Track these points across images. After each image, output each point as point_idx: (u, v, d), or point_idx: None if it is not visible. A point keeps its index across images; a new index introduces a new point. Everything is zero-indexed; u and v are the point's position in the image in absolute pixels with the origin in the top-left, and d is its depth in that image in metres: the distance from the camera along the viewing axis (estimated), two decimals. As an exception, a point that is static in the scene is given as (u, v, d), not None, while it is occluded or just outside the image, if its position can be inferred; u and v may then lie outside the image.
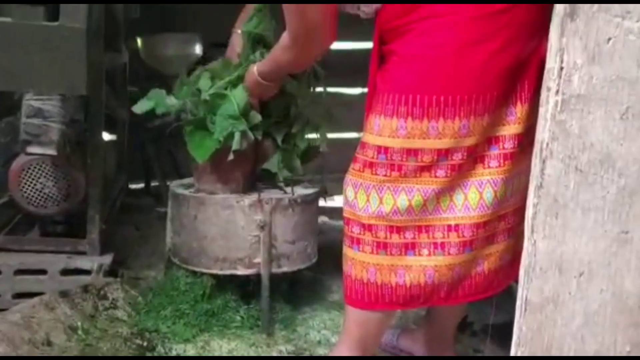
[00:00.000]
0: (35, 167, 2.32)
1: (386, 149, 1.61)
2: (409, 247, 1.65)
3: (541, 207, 1.22)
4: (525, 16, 1.57)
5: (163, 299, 2.28)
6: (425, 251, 1.65)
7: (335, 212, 2.89)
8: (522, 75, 1.60)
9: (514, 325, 1.31)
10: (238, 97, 2.07)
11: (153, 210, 3.11)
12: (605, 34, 1.15)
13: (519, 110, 1.62)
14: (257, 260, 2.20)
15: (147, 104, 2.20)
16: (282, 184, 2.31)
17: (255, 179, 2.33)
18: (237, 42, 2.18)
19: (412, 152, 1.59)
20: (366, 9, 1.67)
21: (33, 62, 1.99)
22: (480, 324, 2.18)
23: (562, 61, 1.18)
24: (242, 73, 2.10)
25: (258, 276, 2.22)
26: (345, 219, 1.72)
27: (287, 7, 1.64)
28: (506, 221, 1.69)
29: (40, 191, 2.33)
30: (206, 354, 2.10)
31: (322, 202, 2.45)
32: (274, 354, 2.13)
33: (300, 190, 2.33)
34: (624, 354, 1.22)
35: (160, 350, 2.10)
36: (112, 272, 2.39)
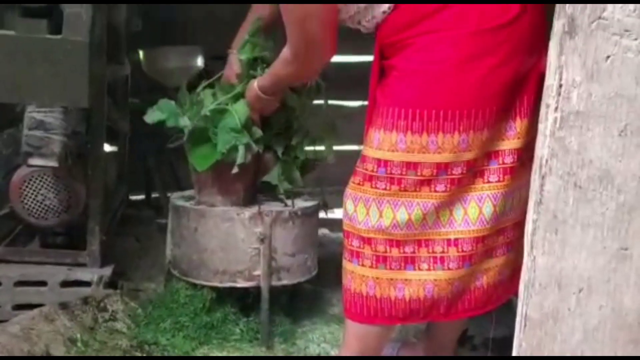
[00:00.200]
0: (36, 179, 2.32)
1: (386, 162, 1.62)
2: (409, 261, 1.65)
3: (540, 223, 1.23)
4: (524, 32, 1.58)
5: (163, 311, 2.28)
6: (424, 265, 1.65)
7: (336, 225, 2.89)
8: (522, 90, 1.61)
9: (513, 340, 1.31)
10: (239, 111, 2.08)
11: (153, 222, 3.11)
12: (603, 52, 1.16)
13: (518, 125, 1.63)
14: (257, 272, 2.20)
15: (157, 114, 2.20)
16: (282, 197, 2.32)
17: (255, 191, 2.33)
18: (234, 62, 2.18)
19: (411, 166, 1.60)
20: (367, 24, 1.68)
21: (36, 75, 2.00)
22: (480, 338, 2.17)
23: (561, 78, 1.19)
24: (243, 90, 2.11)
25: (258, 289, 2.22)
26: (345, 232, 1.73)
27: (287, 21, 1.66)
28: (505, 235, 1.70)
29: (41, 203, 2.33)
30: (205, 366, 2.10)
31: (322, 215, 2.45)
32: (274, 367, 2.12)
33: (301, 203, 2.33)
34: (624, 370, 1.22)
35: (159, 363, 2.10)
36: (112, 284, 2.38)
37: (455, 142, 1.57)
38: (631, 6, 1.13)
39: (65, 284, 2.30)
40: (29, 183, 2.32)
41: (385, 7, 1.61)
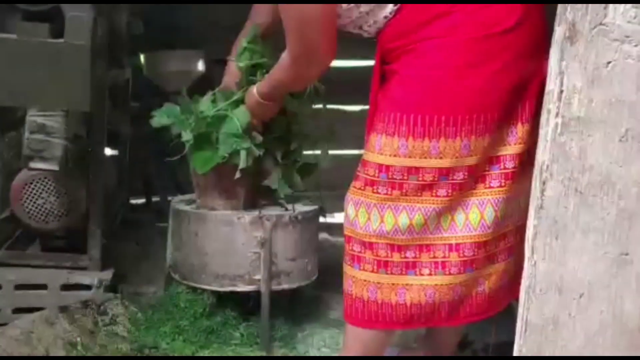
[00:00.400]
0: (37, 183, 2.32)
1: (387, 167, 1.62)
2: (410, 266, 1.65)
3: (541, 229, 1.23)
4: (526, 37, 1.58)
5: (163, 315, 2.28)
6: (426, 270, 1.66)
7: (336, 229, 2.89)
8: (524, 95, 1.62)
9: (514, 345, 1.31)
10: (240, 116, 2.08)
11: (154, 226, 3.11)
12: (604, 58, 1.17)
13: (519, 131, 1.63)
14: (257, 277, 2.20)
15: (163, 119, 2.20)
16: (282, 201, 2.32)
17: (255, 195, 2.34)
18: (233, 69, 2.18)
19: (413, 171, 1.60)
20: (368, 29, 1.68)
21: (37, 79, 2.00)
22: (480, 343, 2.17)
23: (562, 84, 1.19)
24: (242, 96, 2.11)
25: (258, 293, 2.21)
26: (346, 237, 1.73)
27: (287, 27, 1.66)
28: (507, 241, 1.70)
29: (42, 206, 2.33)
30: (205, 370, 2.10)
31: (322, 219, 2.45)
32: (273, 371, 2.12)
33: (301, 207, 2.33)
34: (624, 376, 1.23)
35: (159, 367, 2.10)
36: (112, 287, 2.38)
37: (457, 147, 1.57)
38: (632, 12, 1.14)
39: (66, 287, 2.30)
40: (29, 186, 2.32)
41: (387, 12, 1.62)
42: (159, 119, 2.21)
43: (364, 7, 1.63)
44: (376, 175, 1.64)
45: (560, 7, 1.20)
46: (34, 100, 2.10)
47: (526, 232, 1.27)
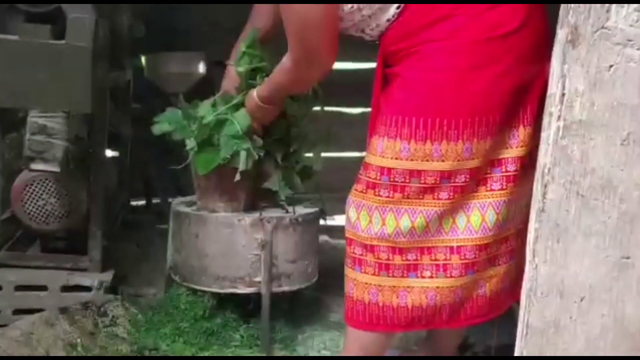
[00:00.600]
0: (38, 184, 2.32)
1: (389, 170, 1.62)
2: (411, 269, 1.65)
3: (543, 232, 1.24)
4: (528, 40, 1.59)
5: (163, 316, 2.28)
6: (427, 273, 1.66)
7: (337, 231, 2.89)
8: (525, 98, 1.62)
9: (515, 346, 1.31)
10: (240, 119, 2.09)
11: (154, 228, 3.11)
12: (606, 61, 1.17)
13: (521, 134, 1.63)
14: (258, 279, 2.20)
15: (165, 126, 2.20)
16: (283, 203, 2.32)
17: (256, 197, 2.34)
18: (233, 74, 2.18)
19: (414, 174, 1.60)
20: (370, 32, 1.69)
21: (38, 80, 2.00)
22: (482, 345, 2.17)
23: (563, 87, 1.19)
24: (242, 100, 2.11)
25: (258, 295, 2.22)
26: (348, 240, 1.73)
27: (288, 30, 1.66)
28: (508, 244, 1.70)
29: (43, 208, 2.33)
30: (205, 372, 2.09)
31: (322, 222, 2.45)
32: (274, 373, 2.12)
33: (302, 210, 2.33)
34: (625, 379, 1.22)
35: (159, 368, 2.10)
36: (112, 289, 2.38)
37: (459, 150, 1.58)
38: (634, 16, 1.14)
39: (66, 288, 2.30)
40: (30, 187, 2.32)
41: (390, 15, 1.62)
42: (160, 125, 2.21)
43: (366, 11, 1.63)
44: (378, 178, 1.64)
45: (562, 10, 1.20)
46: (35, 101, 2.09)
47: (527, 235, 1.27)
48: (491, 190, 1.64)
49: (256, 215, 2.22)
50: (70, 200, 2.36)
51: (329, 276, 2.41)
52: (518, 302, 1.33)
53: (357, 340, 1.76)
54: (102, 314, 2.23)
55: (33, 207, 2.33)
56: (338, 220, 2.95)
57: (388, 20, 1.63)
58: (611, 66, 1.17)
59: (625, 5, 1.14)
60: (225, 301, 2.28)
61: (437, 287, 1.65)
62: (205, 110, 2.16)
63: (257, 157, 2.14)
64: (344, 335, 1.85)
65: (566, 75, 1.19)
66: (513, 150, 1.64)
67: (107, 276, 2.37)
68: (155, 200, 3.43)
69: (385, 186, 1.63)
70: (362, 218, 1.67)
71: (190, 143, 2.14)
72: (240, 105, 2.12)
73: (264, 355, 2.20)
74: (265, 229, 2.18)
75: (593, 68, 1.18)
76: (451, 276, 1.65)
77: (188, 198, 2.46)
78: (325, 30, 1.64)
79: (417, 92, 1.59)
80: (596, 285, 1.22)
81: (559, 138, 1.21)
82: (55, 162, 2.28)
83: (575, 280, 1.23)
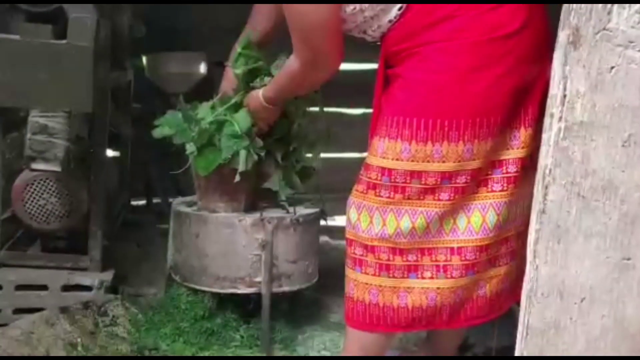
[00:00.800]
0: (39, 184, 2.32)
1: (390, 170, 1.62)
2: (412, 270, 1.66)
3: (543, 233, 1.24)
4: (529, 42, 1.59)
5: (163, 316, 2.28)
6: (427, 274, 1.66)
7: (337, 232, 2.89)
8: (527, 99, 1.62)
9: (515, 347, 1.31)
10: (240, 120, 2.09)
11: (154, 228, 3.11)
12: (608, 63, 1.17)
13: (522, 135, 1.63)
14: (258, 279, 2.20)
15: (165, 130, 2.20)
16: (283, 203, 2.32)
17: (257, 197, 2.34)
18: (231, 76, 2.17)
19: (415, 175, 1.61)
20: (372, 33, 1.69)
21: (40, 79, 2.01)
22: (482, 347, 2.18)
23: (565, 89, 1.20)
24: (240, 100, 2.12)
25: (259, 295, 2.22)
26: (348, 240, 1.73)
27: (293, 32, 1.66)
28: (509, 245, 1.70)
29: (43, 207, 2.33)
30: (205, 372, 2.10)
31: (322, 222, 2.45)
32: (274, 373, 2.12)
33: (302, 210, 2.33)
34: (626, 381, 1.23)
35: (159, 368, 2.10)
36: (113, 288, 2.38)
37: (460, 151, 1.58)
38: (636, 18, 1.14)
39: (66, 288, 2.30)
40: (31, 187, 2.32)
41: (392, 16, 1.62)
42: (161, 129, 2.21)
43: (369, 12, 1.63)
44: (378, 178, 1.64)
45: (564, 11, 1.20)
46: (37, 101, 2.10)
47: (528, 235, 1.27)
48: (492, 191, 1.64)
49: (257, 215, 2.22)
50: (71, 199, 2.36)
51: (330, 277, 2.41)
52: (518, 303, 1.33)
53: (357, 340, 1.76)
54: (103, 314, 2.24)
55: (34, 206, 2.33)
56: (338, 221, 2.95)
57: (390, 21, 1.63)
58: (612, 68, 1.17)
59: (627, 6, 1.15)
60: (225, 301, 2.28)
61: (438, 288, 1.66)
62: (205, 113, 2.16)
63: (256, 158, 2.14)
64: (344, 335, 1.86)
65: (567, 76, 1.19)
66: (514, 152, 1.64)
67: (108, 276, 2.37)
68: (155, 200, 3.43)
69: (386, 187, 1.63)
70: (362, 219, 1.67)
71: (190, 147, 2.14)
72: (239, 105, 2.13)
73: (264, 355, 2.20)
74: (265, 229, 2.19)
75: (594, 69, 1.18)
76: (452, 277, 1.65)
77: (189, 198, 2.46)
78: (331, 30, 1.63)
79: (418, 92, 1.59)
80: (597, 286, 1.22)
81: (560, 139, 1.21)
82: (56, 161, 2.28)
83: (576, 281, 1.23)
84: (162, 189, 3.34)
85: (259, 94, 2.03)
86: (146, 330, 2.24)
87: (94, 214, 2.37)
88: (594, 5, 1.16)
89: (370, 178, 1.66)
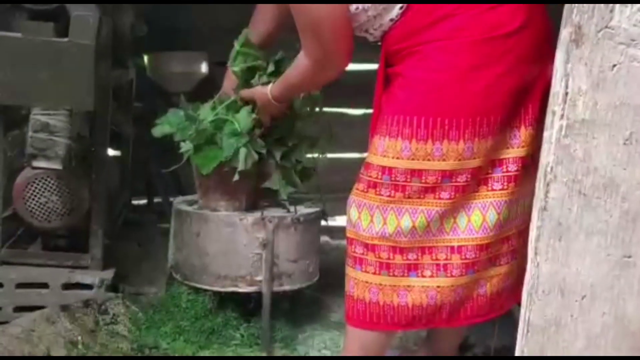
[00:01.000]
0: (40, 181, 2.32)
1: (390, 169, 1.63)
2: (412, 268, 1.66)
3: (545, 230, 1.24)
4: (530, 40, 1.59)
5: (164, 315, 2.28)
6: (428, 272, 1.66)
7: (337, 232, 2.90)
8: (527, 98, 1.62)
9: (515, 347, 1.31)
10: (242, 119, 2.09)
11: (155, 226, 3.11)
12: (610, 61, 1.17)
13: (523, 134, 1.64)
14: (259, 278, 2.20)
15: (166, 128, 2.21)
16: (284, 203, 2.32)
17: (258, 197, 2.34)
18: (232, 75, 2.18)
19: (416, 173, 1.61)
20: (374, 32, 1.69)
21: (41, 77, 2.01)
22: (482, 346, 2.18)
23: (567, 86, 1.20)
24: (239, 98, 2.12)
25: (259, 294, 2.22)
26: (349, 239, 1.73)
27: (302, 31, 1.66)
28: (509, 243, 1.71)
29: (45, 205, 2.34)
30: (206, 371, 2.10)
31: (323, 222, 2.45)
32: (274, 372, 2.13)
33: (303, 209, 2.33)
34: (626, 378, 1.23)
35: (159, 367, 2.10)
36: (113, 287, 2.38)
37: (460, 149, 1.58)
38: (638, 16, 1.15)
39: (67, 286, 2.30)
40: (32, 185, 2.33)
41: (393, 15, 1.62)
42: (161, 127, 2.22)
43: (372, 11, 1.63)
44: (379, 177, 1.64)
45: (566, 9, 1.20)
46: (38, 99, 2.10)
47: (529, 233, 1.27)
48: (492, 190, 1.65)
49: (258, 214, 2.23)
50: (72, 198, 2.36)
51: (330, 276, 2.41)
52: (519, 303, 1.33)
53: (357, 339, 1.76)
54: (103, 312, 2.24)
55: (35, 204, 2.33)
56: (339, 220, 2.96)
57: (391, 20, 1.63)
58: (614, 66, 1.17)
59: (629, 5, 1.15)
60: (226, 300, 2.28)
61: (438, 287, 1.66)
62: (206, 113, 2.17)
63: (256, 157, 2.15)
64: (344, 335, 1.86)
65: (569, 74, 1.19)
66: (514, 150, 1.64)
67: (108, 274, 2.37)
68: (156, 199, 3.43)
69: (387, 185, 1.63)
70: (363, 217, 1.67)
71: (186, 146, 2.14)
72: (239, 104, 2.13)
73: (264, 354, 2.20)
74: (266, 228, 2.19)
75: (596, 67, 1.18)
76: (452, 276, 1.65)
77: (190, 197, 2.47)
78: (340, 28, 1.63)
79: (419, 91, 1.59)
80: (597, 284, 1.22)
81: (562, 137, 1.21)
82: (58, 159, 2.28)
83: (577, 279, 1.23)
84: (163, 187, 3.34)
85: (266, 90, 2.03)
86: (146, 329, 2.25)
87: (95, 213, 2.37)
88: (597, 3, 1.16)
89: (370, 177, 1.66)
